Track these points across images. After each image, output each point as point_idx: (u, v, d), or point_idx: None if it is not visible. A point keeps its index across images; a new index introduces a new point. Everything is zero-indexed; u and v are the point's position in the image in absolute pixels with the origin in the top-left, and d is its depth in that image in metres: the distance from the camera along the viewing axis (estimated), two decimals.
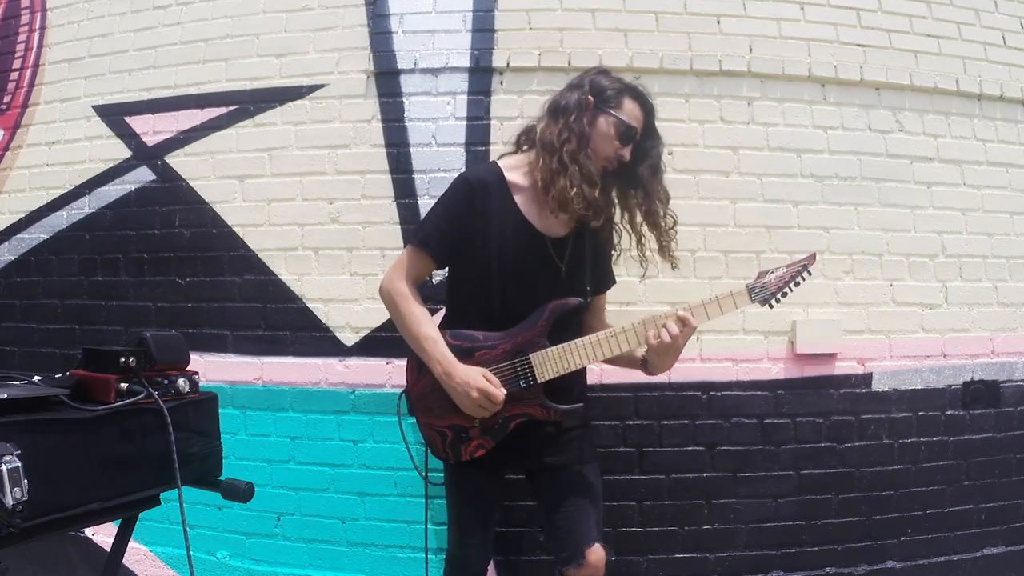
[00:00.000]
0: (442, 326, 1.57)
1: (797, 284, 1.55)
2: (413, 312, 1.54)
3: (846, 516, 2.19)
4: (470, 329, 1.55)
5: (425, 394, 1.56)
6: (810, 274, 1.56)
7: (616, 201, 1.62)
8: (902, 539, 2.21)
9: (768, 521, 2.17)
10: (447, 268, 1.67)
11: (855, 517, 2.19)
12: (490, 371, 1.50)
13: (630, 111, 1.54)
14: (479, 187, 1.55)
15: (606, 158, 1.54)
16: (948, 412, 2.26)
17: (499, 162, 1.63)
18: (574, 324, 1.60)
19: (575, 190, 1.46)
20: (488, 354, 1.52)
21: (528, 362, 1.50)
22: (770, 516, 2.17)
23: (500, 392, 1.47)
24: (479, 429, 1.52)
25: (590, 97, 1.54)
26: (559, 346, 1.51)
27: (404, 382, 1.64)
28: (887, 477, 2.21)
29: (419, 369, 1.57)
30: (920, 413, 2.24)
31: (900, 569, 2.20)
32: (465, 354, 1.51)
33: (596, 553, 1.51)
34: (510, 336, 1.52)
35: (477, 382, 1.46)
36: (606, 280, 1.73)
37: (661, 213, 1.59)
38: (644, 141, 1.58)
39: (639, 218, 1.60)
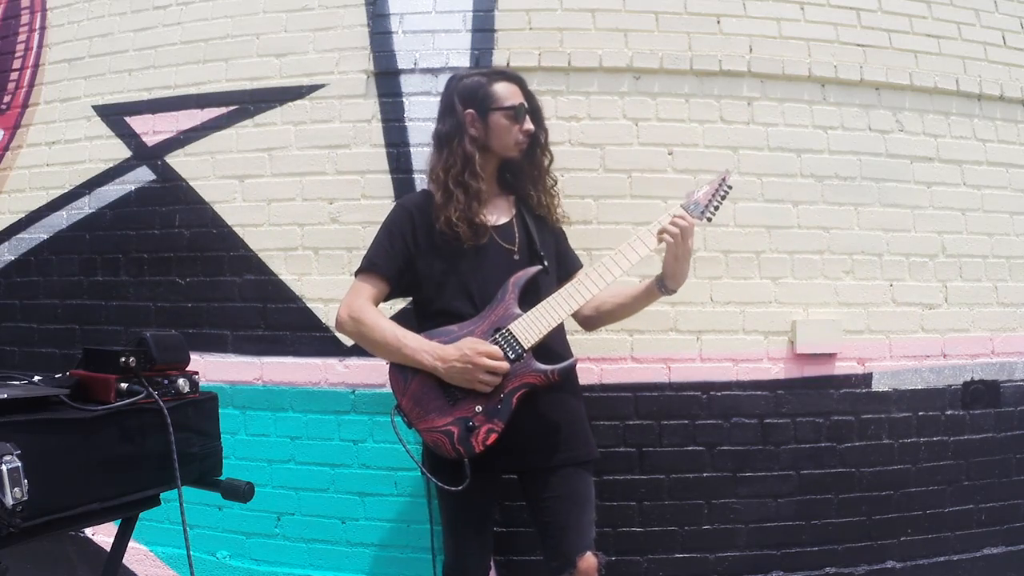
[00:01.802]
0: None
1: (723, 197, 1.60)
2: (379, 323, 1.54)
3: (846, 516, 2.19)
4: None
5: (418, 398, 1.51)
6: (731, 187, 1.61)
7: (529, 176, 1.68)
8: (902, 539, 2.21)
9: (768, 521, 2.17)
10: (411, 301, 1.68)
11: (855, 517, 2.19)
12: None
13: (506, 93, 1.60)
14: (414, 207, 1.62)
15: (516, 143, 1.61)
16: (948, 412, 2.26)
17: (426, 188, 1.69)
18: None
19: (457, 214, 1.53)
20: None
21: (509, 333, 1.50)
22: (770, 516, 2.17)
23: (497, 349, 1.47)
24: (483, 415, 1.48)
25: (470, 111, 1.59)
26: (533, 309, 1.53)
27: None
28: (887, 477, 2.21)
29: (404, 376, 1.53)
30: (920, 413, 2.24)
31: (900, 569, 2.20)
32: None
33: (587, 561, 1.50)
34: (483, 318, 1.53)
35: (474, 346, 1.46)
36: (567, 260, 1.76)
37: (547, 163, 1.70)
38: (532, 103, 1.64)
39: (549, 182, 1.71)
